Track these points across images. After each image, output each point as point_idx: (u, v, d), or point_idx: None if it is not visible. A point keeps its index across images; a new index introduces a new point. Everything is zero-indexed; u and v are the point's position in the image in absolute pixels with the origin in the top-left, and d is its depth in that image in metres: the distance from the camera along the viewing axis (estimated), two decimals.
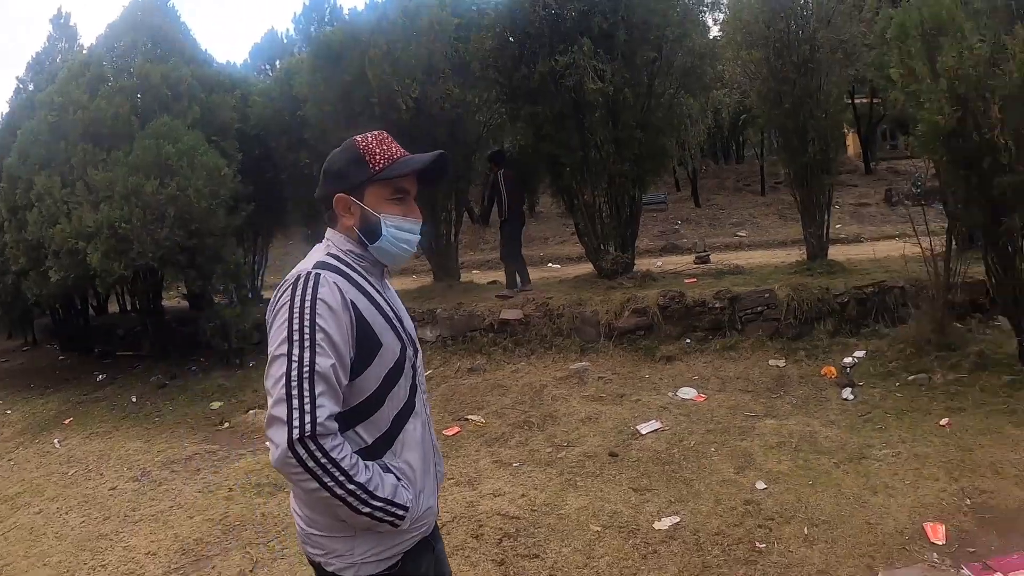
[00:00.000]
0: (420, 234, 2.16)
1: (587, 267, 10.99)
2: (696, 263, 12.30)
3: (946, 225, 7.75)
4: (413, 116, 9.38)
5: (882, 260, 9.90)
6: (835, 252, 10.73)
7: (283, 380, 1.81)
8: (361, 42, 9.74)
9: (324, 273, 1.93)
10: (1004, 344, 7.60)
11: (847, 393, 6.93)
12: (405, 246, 2.11)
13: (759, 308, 8.37)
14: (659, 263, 12.76)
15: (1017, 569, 4.25)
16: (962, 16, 6.58)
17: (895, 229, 14.45)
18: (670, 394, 7.25)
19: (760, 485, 5.29)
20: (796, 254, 10.72)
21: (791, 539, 4.55)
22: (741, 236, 17.38)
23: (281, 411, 1.79)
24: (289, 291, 1.90)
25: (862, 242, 14.67)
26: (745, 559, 4.37)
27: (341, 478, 1.82)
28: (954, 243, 7.76)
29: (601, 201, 10.10)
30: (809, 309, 8.21)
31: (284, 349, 1.84)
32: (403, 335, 2.08)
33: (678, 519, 4.86)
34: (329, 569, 2.00)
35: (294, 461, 1.78)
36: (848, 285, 8.45)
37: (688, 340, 8.34)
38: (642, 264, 11.23)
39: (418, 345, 2.20)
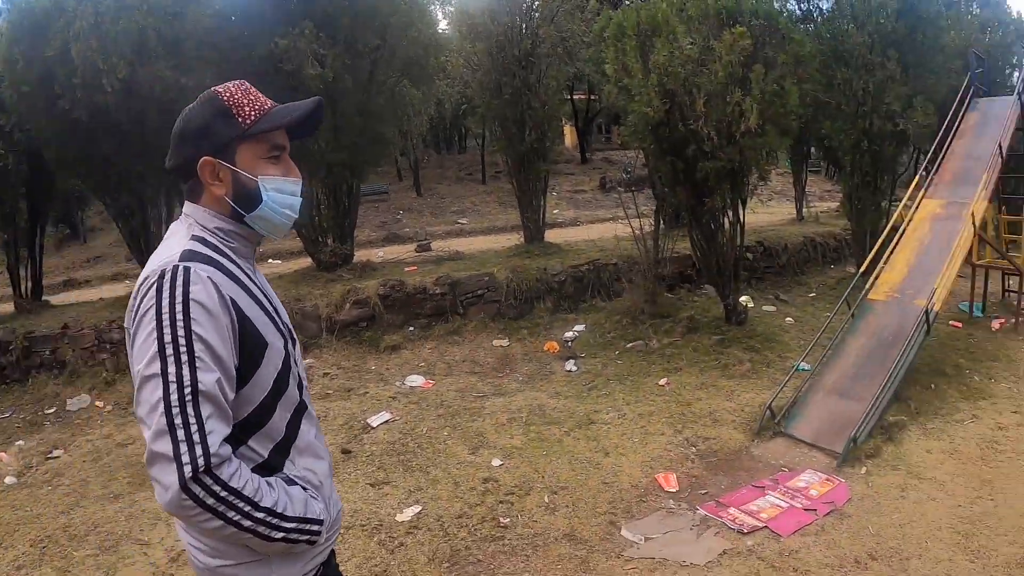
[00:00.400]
0: (301, 196, 1.85)
1: (308, 261, 10.63)
2: (417, 251, 12.31)
3: (655, 207, 8.50)
4: (121, 99, 8.44)
5: (597, 241, 10.63)
6: (553, 235, 11.30)
7: (161, 407, 1.48)
8: (67, 12, 8.57)
9: (194, 266, 1.58)
10: (711, 308, 8.43)
11: (570, 365, 7.32)
12: (288, 211, 1.80)
13: (480, 291, 8.61)
14: (380, 253, 12.62)
15: (747, 501, 4.72)
16: (676, 20, 7.27)
17: (609, 213, 15.51)
18: (398, 383, 7.19)
19: (496, 462, 5.36)
20: (515, 238, 11.16)
21: (534, 509, 4.65)
22: (462, 223, 17.66)
23: (165, 446, 1.47)
24: (153, 292, 1.54)
25: (579, 225, 15.54)
26: (492, 536, 4.39)
27: (247, 508, 1.55)
28: (662, 222, 8.54)
29: (319, 191, 9.81)
30: (529, 289, 8.62)
31: (156, 367, 1.50)
32: (282, 328, 1.80)
33: (420, 508, 4.78)
34: None
35: (191, 503, 1.48)
36: (565, 264, 9.01)
37: (412, 328, 8.35)
38: (364, 255, 11.07)
39: (295, 335, 1.90)
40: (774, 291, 10.05)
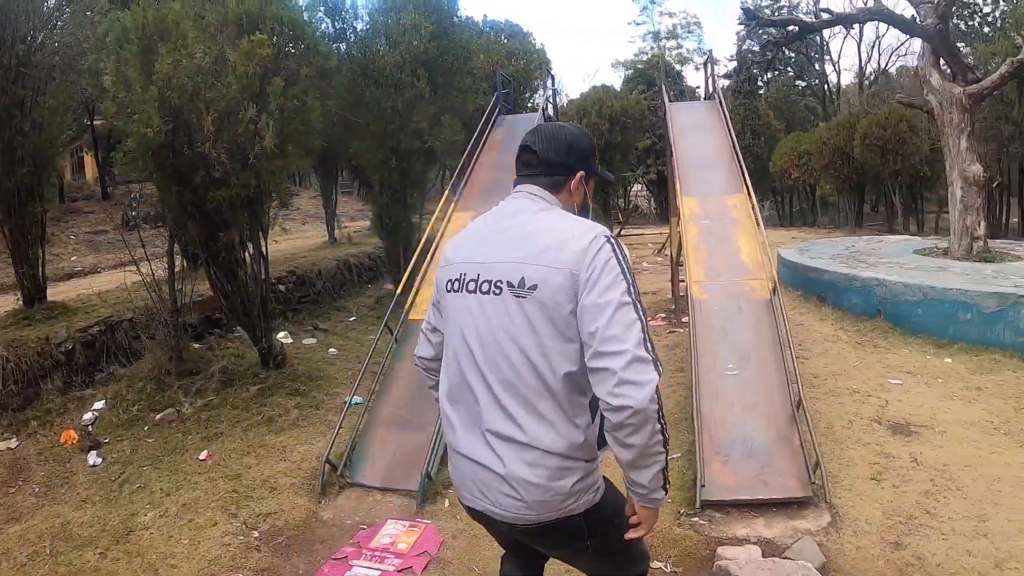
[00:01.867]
0: None
1: None
2: None
3: (168, 246, 7.70)
4: None
5: (109, 293, 9.35)
6: (66, 290, 9.96)
7: (639, 325, 1.92)
8: None
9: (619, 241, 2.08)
10: (246, 354, 7.84)
11: (94, 457, 6.17)
12: None
13: None
14: None
15: None
16: (189, 24, 6.42)
17: (133, 256, 14.17)
18: None
19: None
20: (14, 300, 9.49)
21: None
22: None
23: (646, 352, 1.89)
24: (608, 249, 2.01)
25: (100, 272, 14.04)
26: None
27: (663, 421, 1.95)
28: (183, 262, 7.71)
29: None
30: (31, 367, 7.10)
31: (629, 299, 1.95)
32: None
33: None
34: (583, 509, 2.11)
35: (655, 400, 1.87)
36: (72, 329, 7.63)
37: None
38: None
39: None
40: (313, 321, 9.92)
